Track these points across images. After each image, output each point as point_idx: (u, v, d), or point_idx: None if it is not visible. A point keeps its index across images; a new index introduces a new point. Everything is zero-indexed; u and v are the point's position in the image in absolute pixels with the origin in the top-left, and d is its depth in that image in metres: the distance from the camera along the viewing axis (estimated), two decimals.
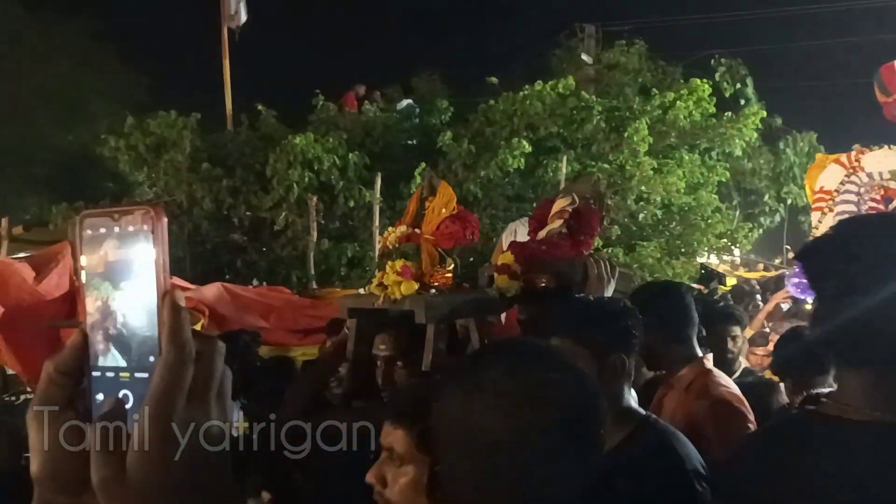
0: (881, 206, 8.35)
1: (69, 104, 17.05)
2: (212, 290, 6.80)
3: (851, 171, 8.49)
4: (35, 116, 17.11)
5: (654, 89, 13.71)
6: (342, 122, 12.06)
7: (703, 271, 12.16)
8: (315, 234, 10.33)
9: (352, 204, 10.96)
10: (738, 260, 14.53)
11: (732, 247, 13.45)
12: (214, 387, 0.62)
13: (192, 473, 0.59)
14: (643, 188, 12.22)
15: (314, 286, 9.70)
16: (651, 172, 12.16)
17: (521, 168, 11.58)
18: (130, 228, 0.60)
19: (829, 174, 8.71)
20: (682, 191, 12.39)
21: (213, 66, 12.87)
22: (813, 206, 8.97)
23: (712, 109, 13.02)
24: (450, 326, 3.02)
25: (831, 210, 8.41)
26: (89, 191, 12.13)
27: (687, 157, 12.92)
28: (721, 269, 12.92)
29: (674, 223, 12.73)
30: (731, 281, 11.66)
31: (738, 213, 13.81)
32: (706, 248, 12.91)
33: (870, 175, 8.42)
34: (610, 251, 12.03)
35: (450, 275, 3.06)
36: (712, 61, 14.58)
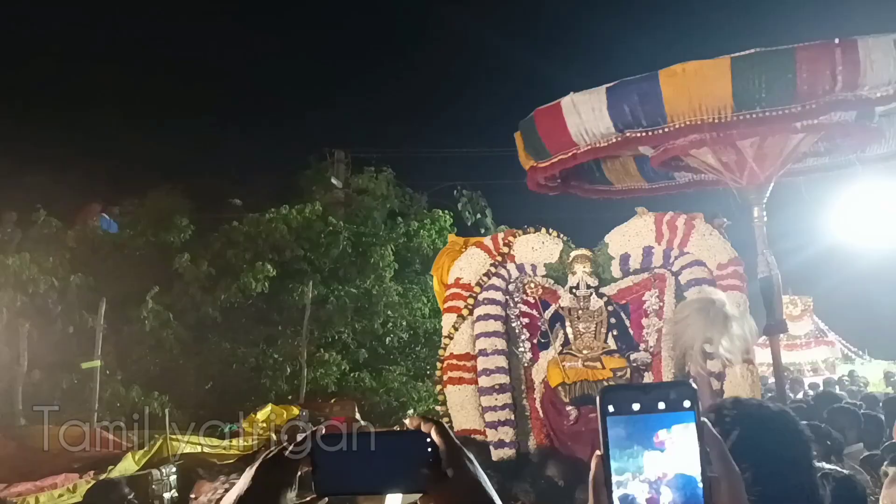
0: (534, 312, 6.28)
1: None
2: None
3: (500, 258, 6.34)
4: None
5: (399, 217, 14.12)
6: (65, 240, 11.00)
7: None
8: (25, 364, 9.24)
9: (71, 330, 9.90)
10: None
11: None
12: None
13: None
14: (389, 313, 12.33)
15: (22, 422, 8.66)
16: (397, 297, 12.35)
17: (265, 291, 11.22)
18: None
19: (468, 262, 6.36)
20: (427, 315, 12.65)
21: None
22: (445, 306, 6.47)
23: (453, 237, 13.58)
24: None
25: (471, 312, 6.16)
26: None
27: (431, 283, 13.29)
28: None
29: (419, 346, 12.91)
30: None
31: None
32: None
33: (521, 267, 6.35)
34: (357, 375, 11.87)
35: None
36: (454, 192, 15.38)
